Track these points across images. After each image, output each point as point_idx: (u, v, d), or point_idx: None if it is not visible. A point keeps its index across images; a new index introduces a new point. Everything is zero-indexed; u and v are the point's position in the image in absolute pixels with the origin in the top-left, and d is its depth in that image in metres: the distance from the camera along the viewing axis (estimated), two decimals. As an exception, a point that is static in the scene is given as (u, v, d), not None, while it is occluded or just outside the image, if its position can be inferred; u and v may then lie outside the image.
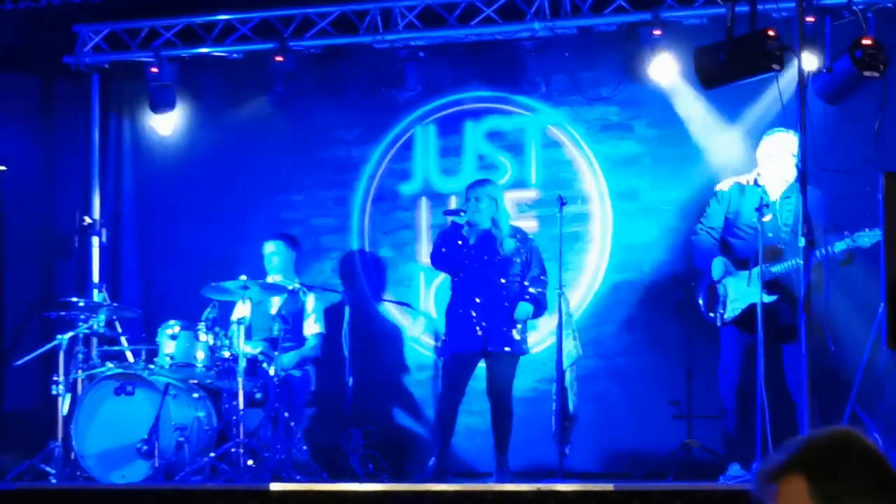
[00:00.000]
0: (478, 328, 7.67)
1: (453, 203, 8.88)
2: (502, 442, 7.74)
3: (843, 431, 2.06)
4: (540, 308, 7.84)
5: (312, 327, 8.58)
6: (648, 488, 6.24)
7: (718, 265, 7.36)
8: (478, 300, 7.71)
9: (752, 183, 7.38)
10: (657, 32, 8.38)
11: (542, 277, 7.84)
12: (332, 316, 8.74)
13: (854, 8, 7.81)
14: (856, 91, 7.37)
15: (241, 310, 8.09)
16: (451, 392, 7.81)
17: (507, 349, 7.70)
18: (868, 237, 6.93)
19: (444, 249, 7.84)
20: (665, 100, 8.67)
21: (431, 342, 8.99)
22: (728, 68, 6.59)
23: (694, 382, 8.06)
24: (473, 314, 7.69)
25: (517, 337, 7.72)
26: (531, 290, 7.76)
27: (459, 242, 7.79)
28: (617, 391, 8.65)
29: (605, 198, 8.84)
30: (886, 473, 1.99)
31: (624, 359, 8.68)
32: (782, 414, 6.92)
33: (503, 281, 7.74)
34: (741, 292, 7.28)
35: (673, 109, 8.65)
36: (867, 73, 7.00)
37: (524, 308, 7.72)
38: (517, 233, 7.91)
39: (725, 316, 7.35)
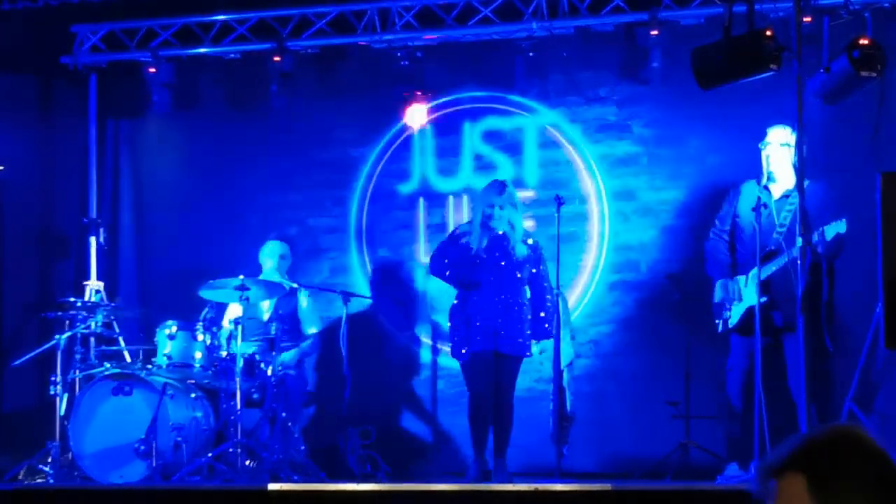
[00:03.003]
0: (491, 329, 7.61)
1: (451, 204, 8.86)
2: (501, 442, 7.72)
3: (844, 429, 2.06)
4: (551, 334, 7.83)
5: (311, 327, 8.60)
6: (646, 488, 6.25)
7: (719, 291, 7.39)
8: (491, 302, 7.64)
9: (758, 183, 7.36)
10: (654, 32, 8.39)
11: (552, 292, 7.79)
12: (329, 316, 8.74)
13: (851, 8, 7.82)
14: (853, 91, 7.37)
15: (234, 310, 8.09)
16: (479, 392, 7.67)
17: (517, 353, 7.68)
18: (832, 228, 6.89)
19: (446, 260, 7.80)
20: (662, 100, 8.67)
21: (429, 342, 8.99)
22: (726, 68, 6.60)
23: (692, 382, 8.04)
24: (486, 316, 7.61)
25: (526, 342, 7.70)
26: (546, 325, 7.74)
27: (465, 250, 7.72)
28: (614, 391, 8.65)
29: (602, 198, 8.84)
30: (887, 470, 1.99)
31: (621, 359, 8.67)
32: (782, 414, 6.92)
33: (515, 285, 7.70)
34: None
35: (671, 109, 8.65)
36: (864, 73, 7.00)
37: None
38: (528, 238, 7.85)
39: (729, 323, 7.37)
